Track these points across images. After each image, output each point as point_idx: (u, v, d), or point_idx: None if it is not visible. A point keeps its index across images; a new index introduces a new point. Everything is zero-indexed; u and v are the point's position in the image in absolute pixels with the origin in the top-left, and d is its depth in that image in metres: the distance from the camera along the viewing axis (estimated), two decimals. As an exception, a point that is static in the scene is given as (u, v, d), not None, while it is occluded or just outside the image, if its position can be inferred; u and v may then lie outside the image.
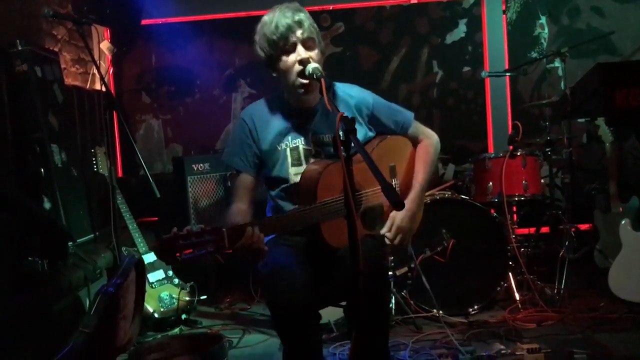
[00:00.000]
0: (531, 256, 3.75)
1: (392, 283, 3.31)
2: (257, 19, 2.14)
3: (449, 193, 3.60)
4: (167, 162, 5.00)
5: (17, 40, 3.13)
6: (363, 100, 2.23)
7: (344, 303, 2.25)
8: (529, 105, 4.35)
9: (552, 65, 4.79)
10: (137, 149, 3.04)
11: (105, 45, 4.54)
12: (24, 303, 2.53)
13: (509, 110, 4.89)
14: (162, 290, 3.50)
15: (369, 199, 2.15)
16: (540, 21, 4.88)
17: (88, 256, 3.18)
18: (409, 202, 2.19)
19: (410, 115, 2.33)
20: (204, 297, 3.65)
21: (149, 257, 3.52)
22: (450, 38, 4.95)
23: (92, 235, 3.52)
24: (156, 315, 3.40)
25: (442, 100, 4.96)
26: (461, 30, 4.94)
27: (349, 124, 1.61)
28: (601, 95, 2.44)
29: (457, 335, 3.00)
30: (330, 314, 3.01)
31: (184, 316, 3.54)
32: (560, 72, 3.86)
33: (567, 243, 3.52)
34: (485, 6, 4.90)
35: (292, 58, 2.05)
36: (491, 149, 4.86)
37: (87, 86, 4.44)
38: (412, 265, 3.32)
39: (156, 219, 4.25)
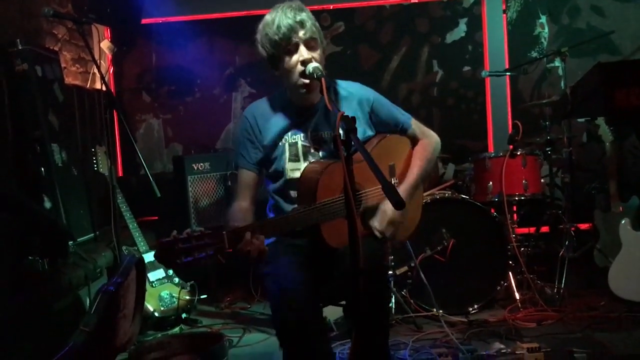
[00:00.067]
0: (531, 255, 3.75)
1: (392, 282, 3.32)
2: (258, 18, 2.13)
3: (449, 192, 3.61)
4: (167, 162, 5.00)
5: (17, 40, 3.12)
6: (364, 97, 2.23)
7: (343, 302, 2.25)
8: (529, 104, 4.34)
9: (552, 64, 4.79)
10: (138, 148, 3.05)
11: (105, 44, 4.53)
12: (24, 302, 2.52)
13: (509, 109, 4.89)
14: (162, 289, 3.51)
15: (369, 198, 2.14)
16: (541, 20, 4.88)
17: (88, 255, 3.18)
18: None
19: (409, 116, 2.33)
20: (204, 296, 3.66)
21: (149, 256, 3.52)
22: (451, 37, 4.95)
23: (92, 235, 3.52)
24: (156, 314, 3.40)
25: (442, 100, 4.96)
26: (461, 29, 4.94)
27: (350, 123, 1.61)
28: (601, 95, 2.45)
29: (457, 334, 3.01)
30: (330, 313, 3.02)
31: (184, 315, 3.54)
32: (560, 72, 3.85)
33: (567, 242, 3.52)
34: (486, 5, 4.91)
35: (294, 58, 2.04)
36: (491, 149, 4.87)
37: (88, 85, 4.44)
38: (412, 265, 3.33)
39: (156, 218, 4.26)
